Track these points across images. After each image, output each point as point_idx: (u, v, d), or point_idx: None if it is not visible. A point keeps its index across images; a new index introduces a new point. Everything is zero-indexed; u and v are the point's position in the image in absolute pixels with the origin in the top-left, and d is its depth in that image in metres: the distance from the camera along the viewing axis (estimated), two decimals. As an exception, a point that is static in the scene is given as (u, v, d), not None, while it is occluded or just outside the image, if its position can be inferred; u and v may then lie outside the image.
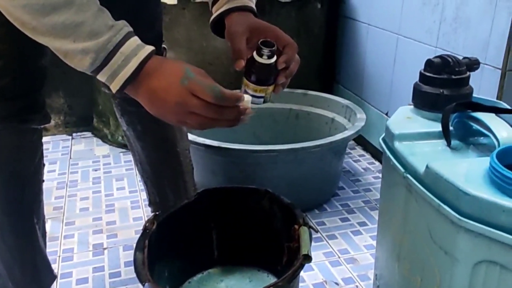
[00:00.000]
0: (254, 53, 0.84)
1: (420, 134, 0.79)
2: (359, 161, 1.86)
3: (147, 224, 0.91)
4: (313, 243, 1.35)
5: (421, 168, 0.70)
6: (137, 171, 1.73)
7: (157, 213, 0.94)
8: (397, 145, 0.78)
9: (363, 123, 1.52)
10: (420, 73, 0.84)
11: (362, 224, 1.46)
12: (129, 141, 1.21)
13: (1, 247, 0.89)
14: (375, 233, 0.95)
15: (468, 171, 0.66)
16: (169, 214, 0.97)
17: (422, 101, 0.84)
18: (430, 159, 0.70)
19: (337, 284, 1.22)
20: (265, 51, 0.83)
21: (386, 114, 1.71)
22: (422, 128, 0.80)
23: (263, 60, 0.84)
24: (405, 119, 0.84)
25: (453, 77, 0.82)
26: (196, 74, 0.71)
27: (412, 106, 0.88)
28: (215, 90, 0.70)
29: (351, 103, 1.69)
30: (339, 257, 1.32)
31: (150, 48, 0.71)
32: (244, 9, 0.91)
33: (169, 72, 0.71)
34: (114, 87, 0.70)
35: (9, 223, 0.89)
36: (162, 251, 0.95)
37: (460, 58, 0.84)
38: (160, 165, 1.19)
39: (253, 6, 0.93)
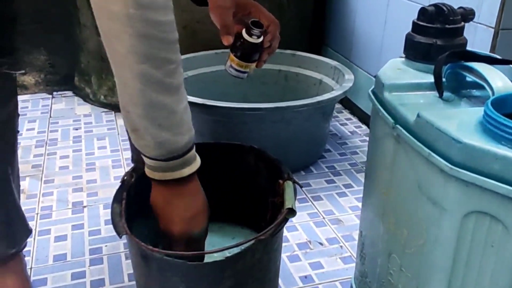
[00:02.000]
0: (243, 31, 0.88)
1: (411, 84, 0.76)
2: (346, 124, 1.83)
3: (125, 177, 0.87)
4: (298, 204, 1.34)
5: (411, 118, 0.67)
6: (119, 131, 1.69)
7: (136, 166, 0.91)
8: (387, 95, 0.75)
9: (351, 84, 1.49)
10: (413, 22, 0.81)
11: (348, 186, 1.44)
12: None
13: None
14: (361, 195, 0.93)
15: (460, 120, 0.64)
16: (149, 168, 0.94)
17: (414, 51, 0.81)
18: (421, 109, 0.67)
19: (321, 244, 1.20)
20: (256, 31, 0.88)
21: (375, 77, 1.68)
22: (413, 79, 0.77)
23: (253, 40, 0.88)
24: (396, 70, 0.81)
25: (447, 26, 0.78)
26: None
27: (403, 58, 0.84)
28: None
29: (339, 64, 1.65)
30: (323, 218, 1.30)
31: (199, 163, 0.77)
32: None
33: (196, 204, 0.79)
34: (155, 176, 0.75)
35: None
36: (141, 207, 0.91)
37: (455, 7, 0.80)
38: None
39: None
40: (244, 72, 0.94)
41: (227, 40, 0.88)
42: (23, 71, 0.89)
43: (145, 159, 0.75)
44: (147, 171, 0.76)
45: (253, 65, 0.94)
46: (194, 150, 0.75)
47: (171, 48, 0.67)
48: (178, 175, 0.74)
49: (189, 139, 0.73)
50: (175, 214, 0.78)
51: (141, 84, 0.65)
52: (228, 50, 0.98)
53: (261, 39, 0.89)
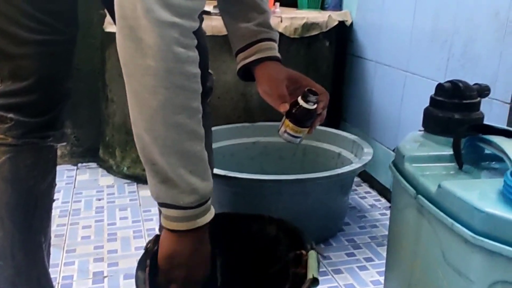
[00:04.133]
0: (300, 98, 0.95)
1: (431, 156, 0.78)
2: (365, 198, 1.84)
3: (148, 245, 0.88)
4: (318, 278, 1.32)
5: (433, 188, 0.69)
6: (141, 202, 1.72)
7: (159, 234, 0.92)
8: (408, 167, 0.77)
9: (370, 157, 1.51)
10: (431, 97, 0.84)
11: (369, 259, 1.43)
12: None
13: (8, 264, 0.87)
14: (382, 269, 0.93)
15: (481, 190, 0.65)
16: (173, 237, 0.95)
17: (433, 125, 0.84)
18: (442, 180, 0.69)
19: (343, 319, 1.18)
20: (312, 98, 0.94)
21: (393, 151, 1.70)
22: (433, 151, 0.79)
23: (308, 106, 0.94)
24: (416, 143, 0.84)
25: (464, 101, 0.81)
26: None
27: (422, 132, 0.87)
28: None
29: (358, 138, 1.68)
30: (345, 292, 1.28)
31: (213, 212, 0.77)
32: (275, 59, 0.98)
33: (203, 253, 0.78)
34: (181, 227, 0.73)
35: (19, 239, 0.88)
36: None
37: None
38: None
39: (280, 56, 1.00)
40: (298, 137, 0.99)
41: (284, 107, 0.95)
42: (65, 143, 0.93)
43: (170, 212, 0.73)
44: (171, 224, 0.74)
45: (306, 130, 0.98)
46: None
47: (199, 98, 0.70)
48: (204, 221, 0.74)
49: (212, 184, 0.74)
50: (202, 261, 0.78)
51: (176, 134, 0.67)
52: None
53: (315, 106, 0.95)
